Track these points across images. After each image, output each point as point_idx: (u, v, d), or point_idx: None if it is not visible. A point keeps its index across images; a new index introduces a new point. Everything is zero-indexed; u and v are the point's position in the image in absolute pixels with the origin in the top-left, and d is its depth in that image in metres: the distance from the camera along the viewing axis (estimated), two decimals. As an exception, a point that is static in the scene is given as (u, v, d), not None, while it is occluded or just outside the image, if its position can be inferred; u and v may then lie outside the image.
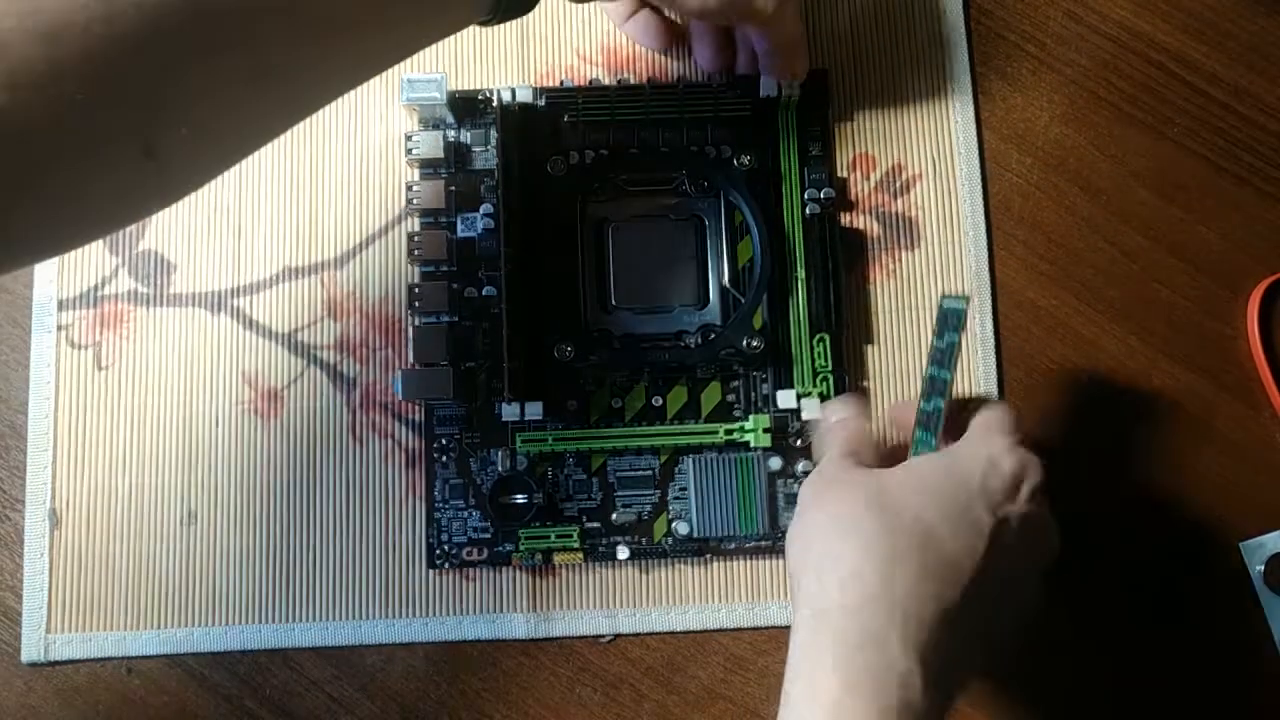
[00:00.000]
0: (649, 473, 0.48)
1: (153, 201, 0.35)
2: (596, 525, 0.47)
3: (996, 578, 0.37)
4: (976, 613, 0.36)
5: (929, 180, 0.51)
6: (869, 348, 0.49)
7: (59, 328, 0.49)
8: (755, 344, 0.46)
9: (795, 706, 0.35)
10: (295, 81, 0.35)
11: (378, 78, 0.50)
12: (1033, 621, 0.39)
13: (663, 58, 0.52)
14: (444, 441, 0.48)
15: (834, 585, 0.36)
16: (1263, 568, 0.48)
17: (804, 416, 0.47)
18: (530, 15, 0.51)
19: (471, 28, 0.45)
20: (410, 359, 0.47)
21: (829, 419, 0.44)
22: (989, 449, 0.39)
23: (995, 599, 0.37)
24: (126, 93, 0.30)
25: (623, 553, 0.47)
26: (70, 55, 0.28)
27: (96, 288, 0.49)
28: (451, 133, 0.49)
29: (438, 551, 0.47)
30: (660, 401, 0.48)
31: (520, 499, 0.47)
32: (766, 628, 0.47)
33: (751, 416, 0.47)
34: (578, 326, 0.47)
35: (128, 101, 0.30)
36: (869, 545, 0.37)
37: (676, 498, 0.48)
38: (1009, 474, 0.38)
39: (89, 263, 0.49)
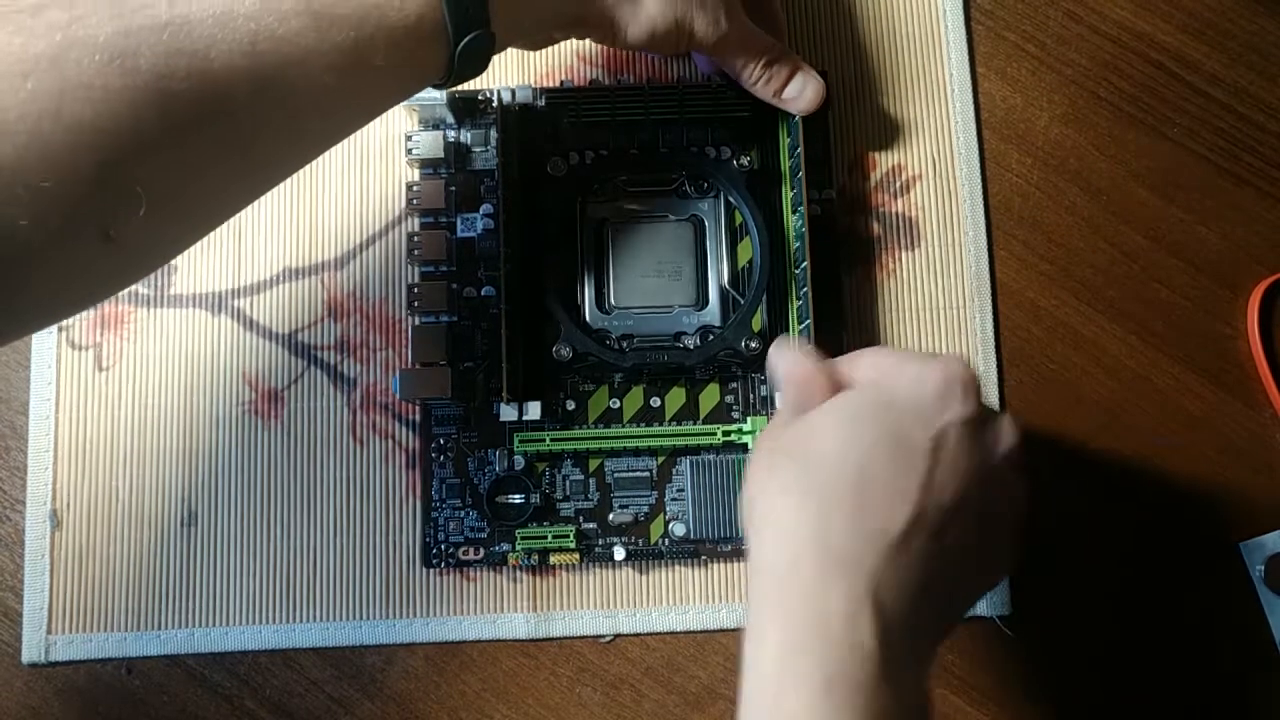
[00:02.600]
0: (646, 474, 0.48)
1: (111, 284, 0.34)
2: (593, 526, 0.47)
3: (949, 495, 0.35)
4: (935, 535, 0.35)
5: (929, 180, 0.51)
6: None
7: (60, 329, 0.49)
8: (754, 346, 0.46)
9: (748, 669, 0.35)
10: (263, 157, 0.35)
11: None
12: (1018, 534, 0.37)
13: (663, 59, 0.52)
14: (442, 441, 0.48)
15: (769, 544, 0.36)
16: (1263, 568, 0.48)
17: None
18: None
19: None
20: (410, 359, 0.47)
21: (775, 371, 0.42)
22: (911, 366, 0.37)
23: (952, 516, 0.35)
24: (81, 181, 0.29)
25: (619, 553, 0.47)
26: (17, 149, 0.28)
27: (97, 288, 0.49)
28: (451, 133, 0.49)
29: (433, 550, 0.47)
30: (658, 402, 0.48)
31: (517, 499, 0.47)
32: (766, 628, 0.47)
33: (749, 418, 0.47)
34: (577, 327, 0.47)
35: (83, 189, 0.29)
36: (802, 497, 0.35)
37: (674, 499, 0.48)
38: (938, 383, 0.36)
39: (89, 263, 0.49)
